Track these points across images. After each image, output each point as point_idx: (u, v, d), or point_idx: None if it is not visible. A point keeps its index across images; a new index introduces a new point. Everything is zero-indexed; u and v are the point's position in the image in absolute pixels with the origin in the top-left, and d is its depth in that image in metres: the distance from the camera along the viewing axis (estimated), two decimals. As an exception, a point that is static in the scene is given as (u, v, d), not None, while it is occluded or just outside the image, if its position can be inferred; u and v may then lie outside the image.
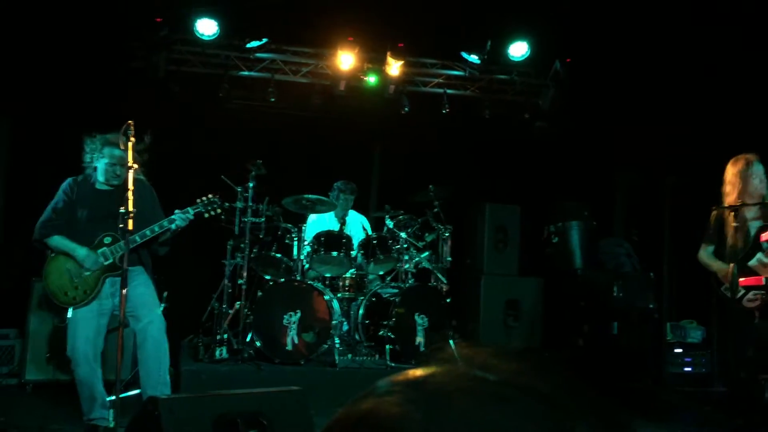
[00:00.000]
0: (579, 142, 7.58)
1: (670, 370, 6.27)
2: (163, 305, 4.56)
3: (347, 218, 6.44)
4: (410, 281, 5.96)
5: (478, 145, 7.81)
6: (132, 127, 3.74)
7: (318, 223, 6.28)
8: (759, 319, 4.25)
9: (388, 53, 6.89)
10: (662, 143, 6.59)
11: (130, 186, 3.65)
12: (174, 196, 4.55)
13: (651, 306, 6.49)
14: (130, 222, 3.63)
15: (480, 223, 7.35)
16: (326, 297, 5.47)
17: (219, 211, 4.42)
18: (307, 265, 5.82)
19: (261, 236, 5.64)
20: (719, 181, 4.55)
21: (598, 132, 7.44)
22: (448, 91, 7.45)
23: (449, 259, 6.22)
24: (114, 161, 4.10)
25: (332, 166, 7.03)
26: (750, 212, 4.38)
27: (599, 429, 0.52)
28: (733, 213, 4.36)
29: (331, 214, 6.37)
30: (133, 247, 3.94)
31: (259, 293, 5.40)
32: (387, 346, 5.45)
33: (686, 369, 6.29)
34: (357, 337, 5.80)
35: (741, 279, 4.23)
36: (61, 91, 6.23)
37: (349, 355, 5.60)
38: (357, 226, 6.50)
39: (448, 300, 5.86)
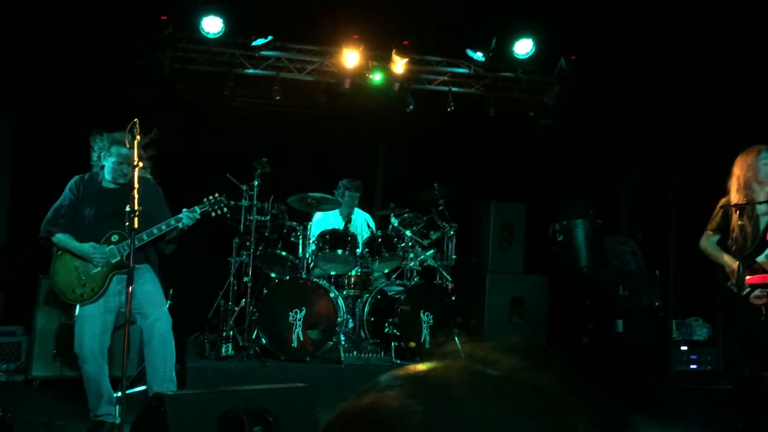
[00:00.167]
0: (584, 140, 7.56)
1: (676, 368, 6.26)
2: (169, 302, 4.58)
3: (352, 216, 6.44)
4: (415, 279, 5.97)
5: (483, 143, 7.80)
6: (137, 125, 3.75)
7: (323, 221, 6.30)
8: (765, 317, 4.21)
9: (393, 51, 6.89)
10: (667, 141, 6.56)
11: (136, 184, 3.67)
12: (179, 194, 4.56)
13: (656, 304, 6.47)
14: (136, 220, 3.64)
15: (485, 221, 7.35)
16: (331, 294, 5.48)
17: (226, 210, 4.43)
18: (312, 263, 5.84)
19: (266, 234, 5.65)
20: (724, 179, 4.51)
21: (603, 129, 7.42)
22: (453, 88, 7.44)
23: (454, 256, 6.23)
24: (121, 160, 4.11)
25: (337, 164, 7.03)
26: (762, 206, 4.32)
27: (599, 425, 0.53)
28: (738, 211, 4.30)
29: (336, 212, 6.38)
30: (140, 245, 3.96)
31: (265, 291, 5.42)
32: (392, 343, 5.46)
33: (692, 367, 6.28)
34: (362, 334, 5.81)
35: (747, 277, 4.18)
36: (66, 89, 6.25)
37: (355, 353, 5.61)
38: (362, 224, 6.51)
39: (453, 298, 5.86)
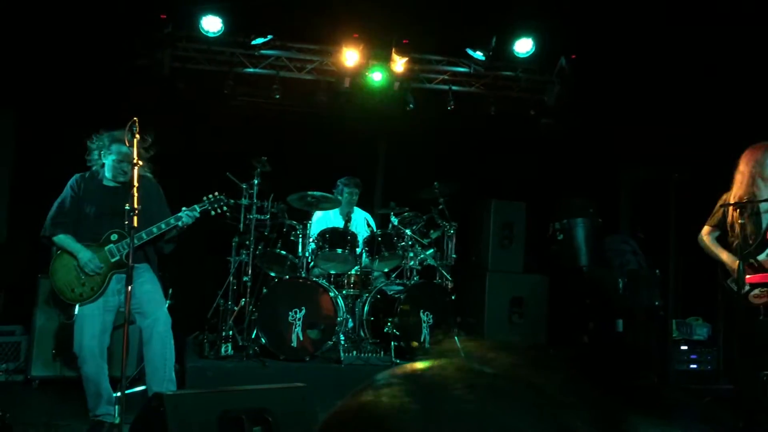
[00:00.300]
0: (584, 139, 7.55)
1: (676, 368, 6.25)
2: (168, 302, 4.57)
3: (352, 215, 6.43)
4: (415, 278, 5.96)
5: (483, 142, 7.79)
6: (137, 124, 3.74)
7: (323, 220, 6.29)
8: (764, 317, 4.19)
9: (393, 50, 6.88)
10: (667, 140, 6.56)
11: (135, 183, 3.66)
12: (179, 192, 4.55)
13: (656, 303, 6.46)
14: (135, 219, 3.64)
15: (485, 220, 7.34)
16: (331, 294, 5.47)
17: (225, 209, 4.43)
18: (312, 262, 5.83)
19: (266, 233, 5.64)
20: (725, 177, 4.48)
21: (604, 128, 7.41)
22: (453, 87, 7.44)
23: (454, 256, 6.23)
24: (121, 158, 4.11)
25: (337, 163, 7.03)
26: (765, 204, 4.27)
27: (596, 423, 0.52)
28: (738, 210, 4.27)
29: (336, 211, 6.37)
30: (139, 245, 3.95)
31: (264, 290, 5.41)
32: (392, 343, 5.46)
33: (692, 366, 6.27)
34: (362, 334, 5.80)
35: (748, 276, 4.16)
36: (67, 88, 6.24)
37: (354, 352, 5.61)
38: (362, 223, 6.50)
39: (453, 297, 5.86)
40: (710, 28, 5.87)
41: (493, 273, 7.15)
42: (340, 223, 6.16)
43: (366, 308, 5.78)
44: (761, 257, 4.20)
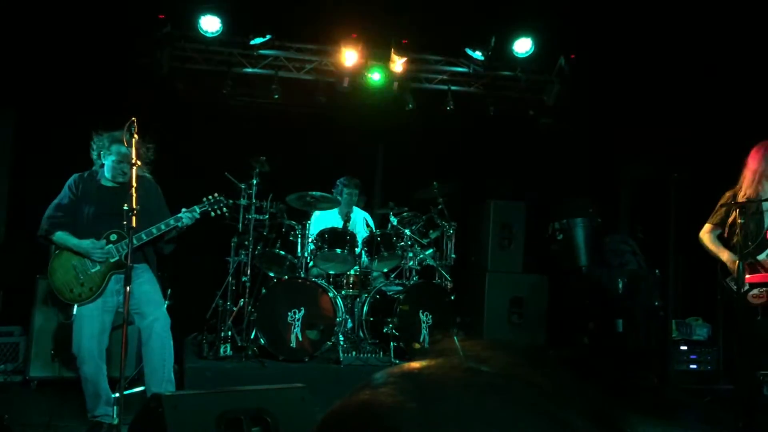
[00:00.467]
0: (584, 139, 7.56)
1: (676, 368, 6.24)
2: (167, 302, 4.56)
3: (351, 215, 6.43)
4: (414, 278, 5.96)
5: (482, 142, 7.79)
6: (135, 124, 3.73)
7: (322, 220, 6.28)
8: (762, 317, 4.18)
9: (392, 50, 6.87)
10: (667, 139, 6.56)
11: (134, 183, 3.65)
12: (178, 193, 4.54)
13: (656, 303, 6.46)
14: (134, 219, 3.63)
15: (484, 220, 7.34)
16: (330, 294, 5.46)
17: (225, 209, 4.42)
18: (311, 263, 5.82)
19: (265, 233, 5.64)
20: (725, 177, 4.47)
21: (603, 128, 7.42)
22: (452, 87, 7.43)
23: (453, 256, 6.22)
24: (121, 158, 4.10)
25: (336, 163, 7.02)
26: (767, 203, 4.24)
27: (593, 421, 0.52)
28: (739, 209, 4.24)
29: (335, 211, 6.36)
30: (138, 245, 3.94)
31: (263, 290, 5.40)
32: (391, 343, 5.45)
33: (692, 366, 6.27)
34: (361, 334, 5.80)
35: (747, 276, 4.14)
36: (65, 88, 6.24)
37: (353, 353, 5.60)
38: (361, 223, 6.49)
39: (452, 297, 5.85)
40: (710, 28, 5.87)
41: (492, 273, 7.15)
42: (339, 223, 6.15)
43: (365, 308, 5.78)
44: (761, 257, 4.19)
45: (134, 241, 3.71)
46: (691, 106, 6.51)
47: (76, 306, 4.02)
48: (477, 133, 7.76)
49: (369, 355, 5.62)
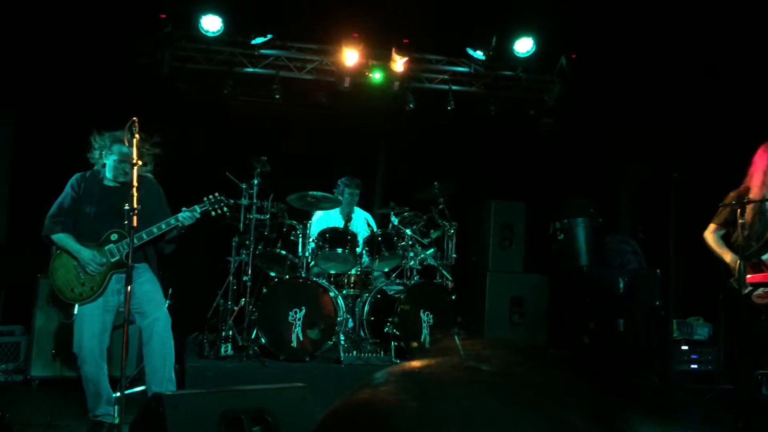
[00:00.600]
0: (585, 139, 7.55)
1: (677, 368, 6.24)
2: (168, 302, 4.56)
3: (352, 215, 6.43)
4: (415, 278, 5.96)
5: (483, 142, 7.79)
6: (136, 124, 3.73)
7: (323, 220, 6.28)
8: (766, 317, 4.17)
9: (393, 49, 6.88)
10: (668, 139, 6.55)
11: (135, 183, 3.65)
12: (178, 193, 4.54)
13: (657, 303, 6.46)
14: (135, 218, 3.63)
15: (485, 220, 7.34)
16: (331, 294, 5.47)
17: (226, 209, 4.42)
18: (312, 262, 5.82)
19: (266, 233, 5.64)
20: (725, 177, 4.46)
21: (604, 128, 7.41)
22: (454, 87, 7.43)
23: (454, 256, 6.22)
24: (123, 158, 4.10)
25: (337, 163, 7.02)
26: None
27: (593, 421, 0.52)
28: (740, 210, 4.22)
29: (336, 211, 6.36)
30: (139, 245, 3.95)
31: (264, 290, 5.40)
32: (392, 343, 5.45)
33: (693, 366, 6.27)
34: (362, 334, 5.80)
35: (748, 276, 4.13)
36: (66, 88, 6.24)
37: (354, 352, 5.59)
38: (362, 223, 6.49)
39: (453, 297, 5.85)
40: (710, 28, 5.87)
41: (493, 273, 7.15)
42: (340, 222, 6.15)
43: (366, 308, 5.78)
44: (765, 257, 4.17)
45: (135, 241, 3.72)
46: (691, 106, 6.50)
47: (77, 305, 4.03)
48: (478, 133, 7.76)
49: (370, 354, 5.62)
